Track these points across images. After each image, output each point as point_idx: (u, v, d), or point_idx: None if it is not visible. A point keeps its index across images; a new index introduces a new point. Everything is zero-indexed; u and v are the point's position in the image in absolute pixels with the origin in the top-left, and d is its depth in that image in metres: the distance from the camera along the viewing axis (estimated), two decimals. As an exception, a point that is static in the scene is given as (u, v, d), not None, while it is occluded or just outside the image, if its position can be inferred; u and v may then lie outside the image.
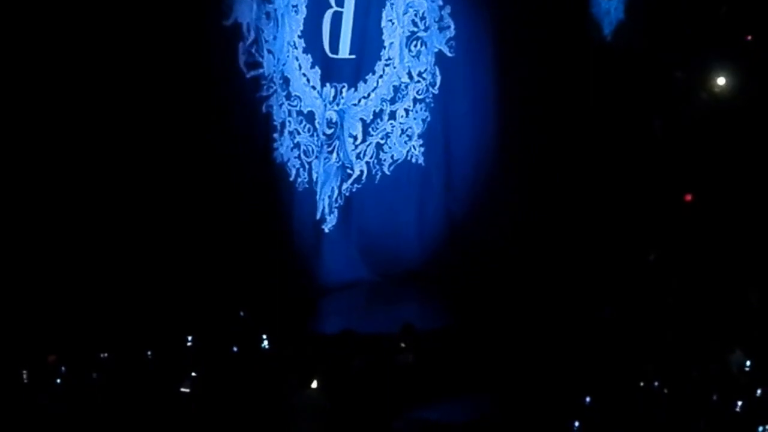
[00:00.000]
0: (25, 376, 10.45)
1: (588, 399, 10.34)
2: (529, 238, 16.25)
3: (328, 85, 16.10)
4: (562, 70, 16.53)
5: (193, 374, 10.72)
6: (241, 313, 13.06)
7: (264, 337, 12.06)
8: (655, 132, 16.77)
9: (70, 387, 10.47)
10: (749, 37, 16.72)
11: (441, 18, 16.80)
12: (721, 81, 16.71)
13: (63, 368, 10.69)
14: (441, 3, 16.73)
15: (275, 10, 15.43)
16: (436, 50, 16.81)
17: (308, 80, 15.99)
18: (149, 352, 11.45)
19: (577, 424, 9.89)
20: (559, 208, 16.40)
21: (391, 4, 16.40)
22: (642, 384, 10.81)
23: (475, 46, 16.85)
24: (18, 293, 12.71)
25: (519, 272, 15.56)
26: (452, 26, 16.77)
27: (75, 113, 13.70)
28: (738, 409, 10.28)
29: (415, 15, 16.72)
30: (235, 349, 11.75)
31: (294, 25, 15.72)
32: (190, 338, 11.83)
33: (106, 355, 11.22)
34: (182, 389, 10.45)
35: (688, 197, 16.52)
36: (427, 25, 16.76)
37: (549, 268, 15.51)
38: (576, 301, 14.29)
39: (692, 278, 14.63)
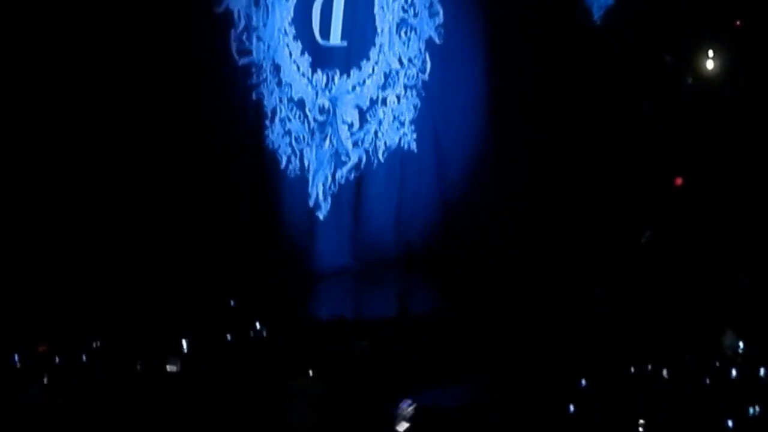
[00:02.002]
0: (17, 365, 10.42)
1: (583, 382, 10.36)
2: (522, 223, 16.32)
3: (319, 71, 16.07)
4: (552, 55, 16.56)
5: (180, 354, 10.74)
6: (232, 302, 13.05)
7: (257, 324, 12.02)
8: (645, 115, 16.81)
9: (62, 375, 10.44)
10: (738, 23, 16.75)
11: (431, 4, 16.79)
12: (710, 65, 16.74)
13: (56, 358, 10.65)
14: None
15: None
16: (426, 37, 16.81)
17: (298, 67, 15.95)
18: (141, 340, 11.41)
19: (572, 408, 9.91)
20: (552, 193, 16.45)
21: None
22: (634, 367, 10.83)
23: (465, 32, 16.87)
24: (10, 284, 12.67)
25: (512, 257, 15.62)
26: (441, 12, 16.76)
27: (63, 100, 13.63)
28: (730, 390, 10.32)
29: (405, 1, 16.71)
30: (228, 337, 11.71)
31: (284, 12, 15.67)
32: (182, 326, 11.80)
33: (98, 344, 11.16)
34: (169, 367, 10.43)
35: (678, 181, 16.57)
36: (416, 11, 16.76)
37: (542, 253, 15.58)
38: (569, 284, 14.33)
39: (684, 261, 14.70)
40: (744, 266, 13.92)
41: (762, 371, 10.57)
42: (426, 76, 16.81)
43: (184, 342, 11.27)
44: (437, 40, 16.75)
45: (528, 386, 10.99)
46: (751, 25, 16.54)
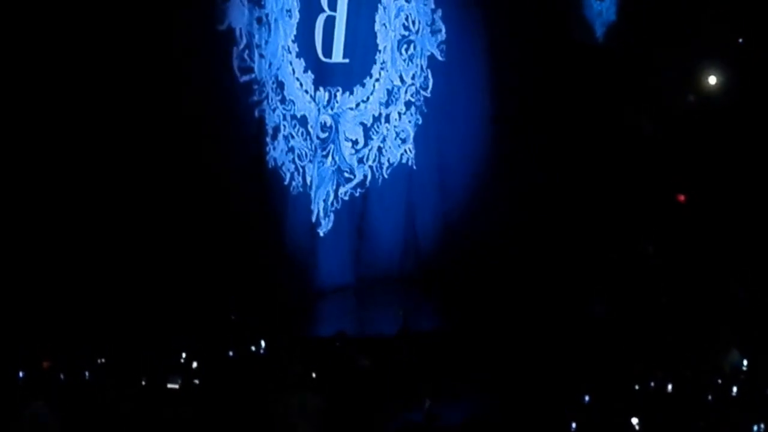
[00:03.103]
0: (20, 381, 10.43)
1: (587, 398, 10.36)
2: (523, 239, 16.34)
3: (321, 89, 16.13)
4: (553, 71, 16.62)
5: (181, 372, 10.75)
6: (233, 317, 13.07)
7: (259, 340, 12.04)
8: (645, 131, 16.88)
9: (65, 391, 10.45)
10: (740, 40, 16.85)
11: (433, 21, 16.87)
12: (710, 81, 16.81)
13: (60, 375, 10.67)
14: (433, 6, 16.82)
15: (267, 15, 15.43)
16: (428, 53, 16.88)
17: (301, 84, 16.02)
18: (144, 356, 11.43)
19: (574, 425, 9.90)
20: (554, 207, 16.49)
21: (384, 7, 16.50)
22: (637, 384, 10.83)
23: (467, 49, 16.93)
24: (11, 297, 12.71)
25: (513, 273, 15.64)
26: (443, 30, 16.84)
27: (69, 117, 13.69)
28: (733, 408, 10.32)
29: (406, 19, 16.79)
30: (230, 353, 11.73)
31: (288, 29, 15.74)
32: (185, 341, 11.82)
33: (102, 360, 11.18)
34: (170, 385, 10.45)
35: (682, 198, 16.63)
36: (418, 28, 16.83)
37: (542, 268, 15.59)
38: (569, 300, 14.34)
39: (685, 276, 14.72)
40: (742, 279, 13.94)
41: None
42: (428, 93, 16.86)
43: (184, 356, 11.28)
44: (439, 57, 16.82)
45: (530, 402, 10.98)
46: (751, 40, 16.63)
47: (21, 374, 10.51)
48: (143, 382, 10.65)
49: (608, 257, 15.71)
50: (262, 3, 15.29)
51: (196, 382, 10.75)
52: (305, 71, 15.98)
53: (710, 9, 16.68)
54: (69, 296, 13.08)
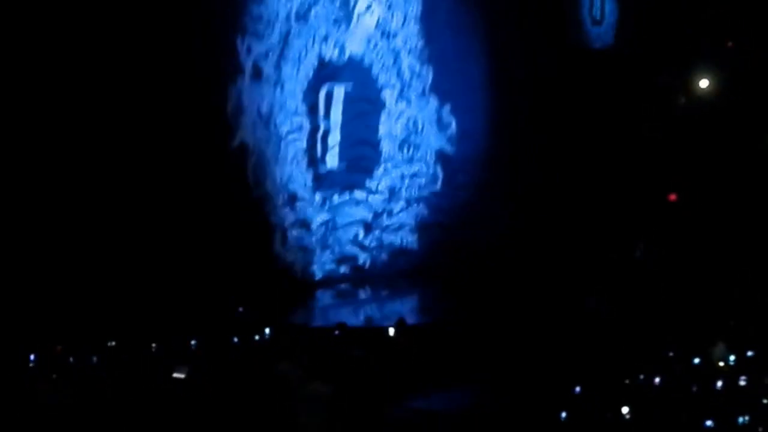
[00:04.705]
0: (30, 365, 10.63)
1: (578, 389, 10.58)
2: (518, 236, 16.57)
3: (325, 191, 16.42)
4: (552, 74, 16.87)
5: (188, 362, 10.94)
6: (240, 309, 13.26)
7: (264, 330, 12.26)
8: (642, 133, 17.10)
9: (74, 377, 10.64)
10: (730, 44, 17.07)
11: (440, 118, 17.19)
12: (704, 84, 17.04)
13: (70, 358, 10.88)
14: (438, 104, 17.06)
15: (277, 127, 15.70)
16: (436, 149, 17.07)
17: (308, 188, 16.29)
18: (151, 345, 11.62)
19: (564, 414, 10.10)
20: (548, 208, 16.73)
21: (387, 111, 16.88)
22: (627, 378, 11.04)
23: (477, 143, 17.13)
24: (26, 287, 12.89)
25: (508, 269, 15.86)
26: (453, 123, 17.06)
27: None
28: (720, 400, 10.53)
29: (408, 120, 17.07)
30: (235, 339, 11.94)
31: (298, 142, 16.05)
32: (189, 332, 12.01)
33: (113, 343, 11.38)
34: (176, 375, 10.63)
35: (673, 197, 16.84)
36: (422, 128, 17.15)
37: (537, 265, 15.81)
38: (563, 294, 14.54)
39: (676, 272, 14.91)
40: (736, 278, 14.16)
41: (748, 381, 10.77)
42: (437, 186, 17.32)
43: (192, 344, 11.49)
44: (449, 151, 17.03)
45: (521, 393, 11.20)
46: (743, 46, 16.85)
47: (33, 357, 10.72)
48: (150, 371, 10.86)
49: (606, 257, 15.89)
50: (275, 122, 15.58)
51: (203, 370, 10.93)
52: (314, 179, 16.31)
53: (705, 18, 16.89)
54: (81, 287, 13.22)
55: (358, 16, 16.35)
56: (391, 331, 12.05)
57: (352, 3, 16.34)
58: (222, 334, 12.04)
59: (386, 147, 16.97)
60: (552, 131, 16.90)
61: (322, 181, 16.32)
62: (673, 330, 12.46)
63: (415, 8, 17.03)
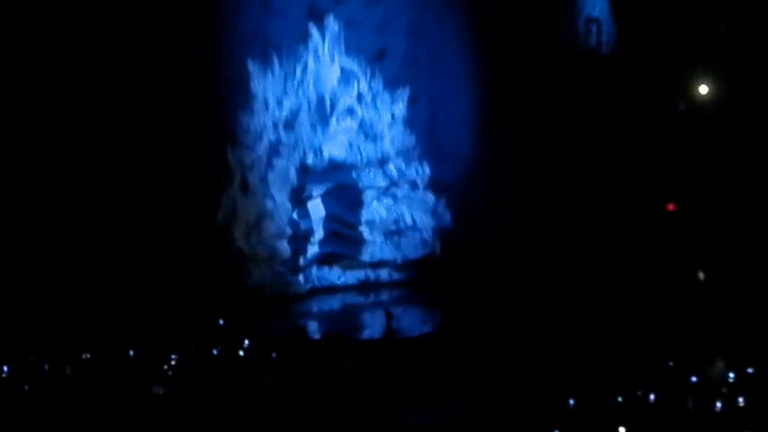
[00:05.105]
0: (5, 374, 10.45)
1: (572, 402, 10.39)
2: (514, 246, 16.46)
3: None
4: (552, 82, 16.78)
5: (165, 376, 10.74)
6: (221, 321, 13.11)
7: (246, 340, 12.09)
8: (636, 136, 17.04)
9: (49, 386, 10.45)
10: (729, 48, 16.99)
11: (435, 210, 17.17)
12: (701, 89, 16.95)
13: (45, 366, 10.68)
14: (434, 197, 17.06)
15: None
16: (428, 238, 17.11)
17: None
18: (130, 354, 11.44)
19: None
20: (546, 215, 16.65)
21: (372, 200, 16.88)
22: (624, 394, 10.87)
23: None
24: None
25: (505, 280, 15.73)
26: (449, 216, 17.03)
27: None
28: (717, 418, 10.37)
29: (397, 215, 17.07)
30: (215, 352, 11.75)
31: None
32: (172, 342, 11.84)
33: (87, 356, 11.20)
34: (154, 391, 10.43)
35: (671, 206, 16.76)
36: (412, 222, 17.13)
37: (534, 274, 15.68)
38: (558, 304, 14.39)
39: (675, 283, 14.80)
40: (733, 286, 14.05)
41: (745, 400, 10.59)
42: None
43: (173, 358, 11.30)
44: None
45: (515, 405, 11.01)
46: (741, 52, 16.77)
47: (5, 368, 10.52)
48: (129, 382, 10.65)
49: (604, 262, 15.82)
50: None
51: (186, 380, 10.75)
52: None
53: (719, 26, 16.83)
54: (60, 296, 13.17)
55: (338, 119, 16.64)
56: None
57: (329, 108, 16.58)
58: (202, 346, 11.84)
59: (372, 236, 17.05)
60: (547, 138, 16.83)
61: None
62: (671, 343, 12.26)
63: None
